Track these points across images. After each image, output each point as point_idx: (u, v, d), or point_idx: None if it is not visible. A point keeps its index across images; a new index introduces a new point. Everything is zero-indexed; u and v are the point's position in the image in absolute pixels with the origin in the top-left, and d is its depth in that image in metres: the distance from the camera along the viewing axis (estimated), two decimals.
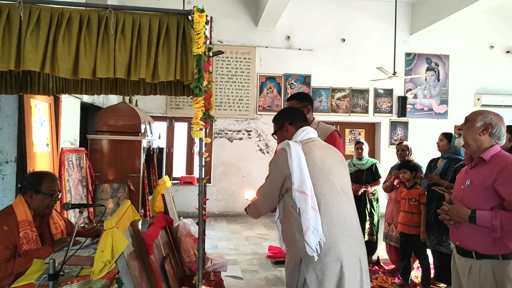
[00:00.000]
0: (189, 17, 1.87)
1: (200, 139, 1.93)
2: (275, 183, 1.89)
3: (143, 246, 1.92)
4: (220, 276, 2.69)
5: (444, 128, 6.91)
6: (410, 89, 8.10)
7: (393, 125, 8.06)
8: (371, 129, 8.26)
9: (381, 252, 4.54)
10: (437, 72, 8.17)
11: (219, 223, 6.82)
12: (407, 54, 8.07)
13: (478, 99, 8.09)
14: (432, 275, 3.73)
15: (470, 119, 1.99)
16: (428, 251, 3.72)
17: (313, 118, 2.84)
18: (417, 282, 3.86)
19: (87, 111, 5.54)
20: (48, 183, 2.23)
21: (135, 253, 1.84)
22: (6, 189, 3.23)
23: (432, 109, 8.15)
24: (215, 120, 7.38)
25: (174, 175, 7.59)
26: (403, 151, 4.25)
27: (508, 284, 1.80)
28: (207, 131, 1.98)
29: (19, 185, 3.14)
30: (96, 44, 1.77)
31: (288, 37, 7.75)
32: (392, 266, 4.28)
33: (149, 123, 5.73)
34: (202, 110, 1.85)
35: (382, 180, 4.49)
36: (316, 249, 1.71)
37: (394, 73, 6.37)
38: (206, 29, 1.85)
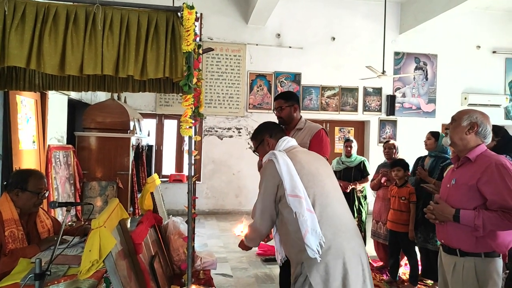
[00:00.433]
0: (179, 13, 1.85)
1: (190, 137, 1.91)
2: (269, 195, 1.90)
3: (132, 245, 1.90)
4: (210, 274, 2.68)
5: (431, 127, 7.00)
6: (399, 88, 8.18)
7: (382, 123, 8.14)
8: (360, 127, 8.32)
9: (369, 249, 4.58)
10: (425, 71, 8.27)
11: (209, 221, 6.80)
12: (396, 53, 8.14)
13: (465, 98, 8.21)
14: (419, 272, 3.78)
15: (456, 118, 2.02)
16: (416, 248, 3.77)
17: (300, 116, 2.84)
18: (405, 279, 3.91)
19: (74, 107, 5.46)
20: (34, 181, 2.19)
21: (124, 252, 1.82)
22: None
23: (420, 108, 8.25)
24: (205, 118, 7.35)
25: (164, 172, 7.54)
26: (389, 149, 4.31)
27: (489, 281, 1.84)
28: (197, 129, 1.97)
29: (5, 183, 3.10)
30: (83, 40, 1.74)
31: (279, 35, 7.75)
32: (381, 263, 4.33)
33: (138, 120, 5.68)
34: (191, 108, 1.83)
35: (370, 177, 4.53)
36: (318, 250, 1.71)
37: (383, 72, 6.42)
38: (195, 26, 1.84)
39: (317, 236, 1.72)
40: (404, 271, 4.08)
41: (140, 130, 5.70)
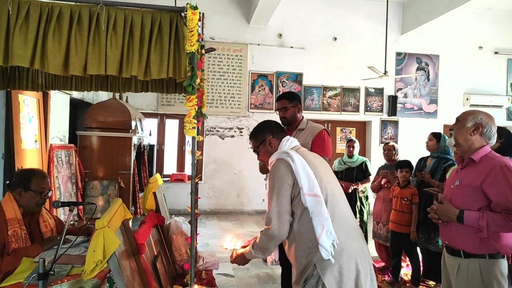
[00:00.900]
0: (182, 14, 1.85)
1: (193, 138, 1.91)
2: (285, 196, 1.79)
3: (135, 245, 1.90)
4: (212, 274, 2.69)
5: (433, 127, 7.00)
6: (401, 88, 8.17)
7: (384, 123, 8.13)
8: (362, 128, 8.31)
9: (371, 250, 4.57)
10: (427, 71, 8.25)
11: (210, 221, 6.80)
12: (398, 54, 8.13)
13: (467, 99, 8.20)
14: (421, 273, 3.78)
15: (461, 119, 2.01)
16: (418, 249, 3.76)
17: (302, 117, 2.84)
18: (407, 280, 3.90)
19: (76, 107, 5.46)
20: (37, 180, 2.19)
21: (127, 252, 1.82)
22: None
23: (422, 109, 8.23)
24: (207, 118, 7.35)
25: (165, 172, 7.54)
26: (389, 150, 4.31)
27: (494, 283, 1.84)
28: (199, 129, 1.95)
29: (7, 182, 3.10)
30: (87, 40, 1.74)
31: (280, 35, 7.74)
32: (382, 264, 4.33)
33: (140, 120, 5.68)
34: (195, 108, 1.83)
35: (372, 178, 4.52)
36: (331, 251, 1.68)
37: (385, 72, 6.41)
38: (199, 26, 1.84)
39: (330, 237, 1.70)
40: (406, 272, 4.08)
41: (142, 129, 5.70)
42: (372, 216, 4.34)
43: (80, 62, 1.72)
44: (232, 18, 7.57)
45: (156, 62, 1.80)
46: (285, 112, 2.75)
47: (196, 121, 1.88)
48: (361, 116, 8.06)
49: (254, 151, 2.10)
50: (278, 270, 4.10)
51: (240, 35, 7.59)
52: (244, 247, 2.10)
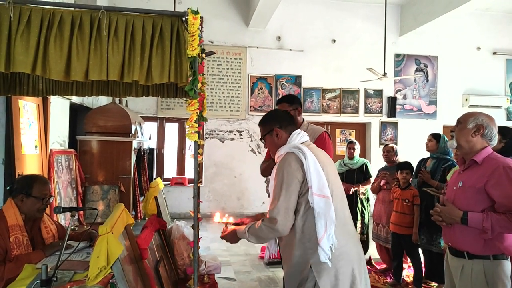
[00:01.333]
0: (183, 18, 1.85)
1: (195, 142, 1.91)
2: (294, 191, 1.74)
3: (137, 250, 1.90)
4: (214, 279, 2.68)
5: (433, 128, 7.01)
6: (400, 90, 8.19)
7: (383, 125, 8.14)
8: (362, 129, 8.32)
9: (373, 251, 4.57)
10: (426, 73, 8.27)
11: (211, 224, 6.79)
12: (397, 55, 8.15)
13: (466, 100, 8.22)
14: (423, 274, 3.77)
15: (462, 121, 2.02)
16: (419, 250, 3.76)
17: (303, 119, 2.84)
18: (409, 281, 3.90)
19: (76, 112, 5.46)
20: (39, 186, 2.19)
21: (129, 257, 1.82)
22: None
23: (421, 110, 8.25)
24: (207, 121, 7.35)
25: (165, 176, 7.54)
26: (388, 152, 4.32)
27: (499, 284, 1.84)
28: (200, 132, 1.95)
29: (8, 188, 3.09)
30: (88, 45, 1.74)
31: (279, 37, 7.76)
32: (384, 266, 4.32)
33: (140, 124, 5.68)
34: (196, 112, 1.83)
35: (372, 180, 4.52)
36: (329, 255, 1.67)
37: (384, 74, 6.42)
38: (200, 30, 1.84)
39: (330, 240, 1.69)
40: (407, 273, 4.07)
41: (142, 133, 5.70)
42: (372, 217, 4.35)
43: (82, 67, 1.72)
44: (231, 22, 7.58)
45: (158, 66, 1.80)
46: None
47: (198, 125, 1.88)
48: (360, 117, 8.07)
49: (260, 139, 2.05)
50: (279, 273, 4.10)
51: (239, 38, 7.61)
52: (236, 224, 2.08)
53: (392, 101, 8.04)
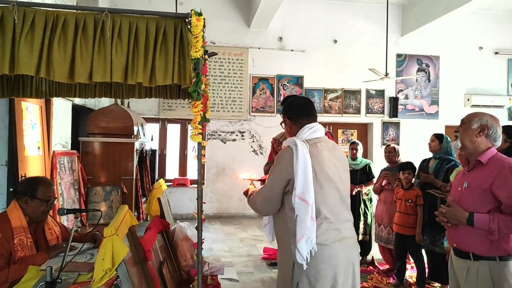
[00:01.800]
0: (187, 20, 1.85)
1: (199, 143, 1.91)
2: (277, 186, 1.78)
3: (141, 251, 1.90)
4: (217, 280, 2.68)
5: (435, 129, 7.00)
6: (402, 90, 8.18)
7: (385, 125, 8.13)
8: (364, 130, 8.31)
9: (376, 252, 4.57)
10: (427, 73, 8.26)
11: (213, 225, 6.79)
12: (398, 55, 8.14)
13: (468, 100, 8.20)
14: (426, 275, 3.76)
15: (466, 121, 2.01)
16: (422, 251, 3.75)
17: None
18: (412, 282, 3.89)
19: (78, 113, 5.47)
20: (43, 189, 2.19)
21: (133, 258, 1.82)
22: None
23: (423, 110, 8.24)
24: (209, 122, 7.35)
25: (167, 177, 7.54)
26: (390, 153, 4.31)
27: (505, 285, 1.83)
28: (202, 134, 1.95)
29: (11, 189, 3.10)
30: (92, 47, 1.74)
31: (281, 38, 7.76)
32: (387, 266, 4.31)
33: (142, 125, 5.69)
34: (200, 114, 1.83)
35: (375, 180, 4.52)
36: (306, 258, 1.69)
37: (386, 74, 6.42)
38: (204, 32, 1.84)
39: (310, 245, 1.69)
40: (410, 274, 4.06)
41: (144, 134, 5.71)
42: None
43: (86, 69, 1.73)
44: (233, 22, 7.59)
45: (161, 68, 1.80)
46: None
47: (201, 127, 1.88)
48: (362, 118, 8.06)
49: (280, 123, 2.07)
50: None
51: (241, 39, 7.61)
52: (261, 180, 2.30)
53: (394, 101, 8.03)
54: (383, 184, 4.16)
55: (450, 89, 8.28)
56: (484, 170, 1.92)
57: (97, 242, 2.37)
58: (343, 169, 1.91)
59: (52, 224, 2.36)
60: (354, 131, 8.23)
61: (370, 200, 4.57)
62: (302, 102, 1.99)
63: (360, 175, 4.47)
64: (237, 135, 7.62)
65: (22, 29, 1.68)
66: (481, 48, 8.40)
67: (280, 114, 2.05)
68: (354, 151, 4.55)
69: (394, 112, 8.02)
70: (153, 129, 7.23)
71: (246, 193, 2.15)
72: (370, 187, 4.51)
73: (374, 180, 4.50)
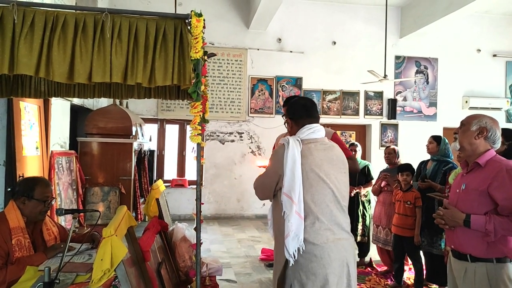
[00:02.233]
0: (186, 21, 1.86)
1: (198, 144, 1.91)
2: (270, 179, 1.90)
3: (140, 252, 1.90)
4: (216, 281, 2.67)
5: (433, 130, 7.01)
6: (400, 92, 8.20)
7: (384, 127, 8.14)
8: (362, 131, 8.33)
9: (374, 253, 4.57)
10: (426, 75, 8.29)
11: (211, 226, 6.79)
12: (397, 57, 8.16)
13: (466, 102, 8.23)
14: (424, 276, 3.77)
15: (466, 123, 2.02)
16: (420, 252, 3.76)
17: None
18: (409, 284, 3.89)
19: (76, 113, 5.46)
20: (41, 189, 2.18)
21: (132, 259, 1.82)
22: None
23: (422, 112, 8.26)
24: (208, 122, 7.35)
25: (165, 177, 7.53)
26: (389, 154, 4.31)
27: (502, 287, 1.83)
28: (202, 135, 1.96)
29: (9, 189, 3.09)
30: (92, 48, 1.74)
31: (280, 39, 7.77)
32: (385, 268, 4.32)
33: (140, 125, 5.68)
34: (200, 115, 1.83)
35: (374, 182, 4.52)
36: (294, 255, 1.73)
37: (385, 76, 6.43)
38: (203, 33, 1.84)
39: (297, 242, 1.74)
40: (408, 275, 4.07)
41: (142, 135, 5.70)
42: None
43: (85, 70, 1.72)
44: (232, 23, 7.59)
45: (161, 69, 1.80)
46: None
47: (200, 128, 1.88)
48: (361, 119, 8.08)
49: (284, 123, 2.14)
50: None
51: (240, 40, 7.62)
52: None
53: (393, 103, 8.05)
54: (382, 185, 4.17)
55: (448, 91, 8.31)
56: (482, 172, 1.93)
57: (95, 243, 2.36)
58: (340, 170, 1.92)
59: (50, 225, 2.35)
60: (353, 133, 8.24)
61: (369, 201, 4.58)
62: (304, 103, 2.03)
63: (359, 177, 4.47)
64: (235, 136, 7.62)
65: (22, 29, 1.68)
66: (479, 50, 8.43)
67: (282, 116, 2.12)
68: (353, 153, 4.56)
69: (392, 114, 8.04)
70: (151, 129, 7.22)
71: None
72: (369, 189, 4.52)
73: (373, 181, 4.51)
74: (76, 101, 4.85)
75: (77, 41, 1.72)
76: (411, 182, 3.78)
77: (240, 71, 7.59)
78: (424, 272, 3.76)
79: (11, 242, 2.03)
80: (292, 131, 1.99)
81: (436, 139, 3.81)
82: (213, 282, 2.63)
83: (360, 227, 4.44)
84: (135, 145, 5.09)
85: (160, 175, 7.47)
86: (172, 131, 7.70)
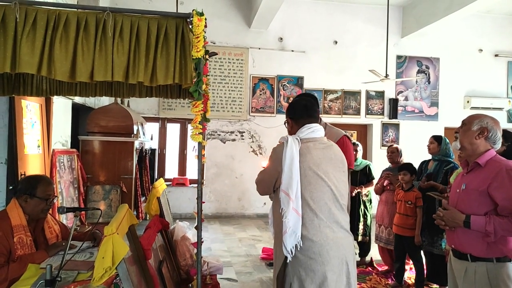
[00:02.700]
0: (188, 20, 1.86)
1: (199, 143, 1.91)
2: (270, 176, 1.94)
3: (141, 250, 1.90)
4: (216, 279, 2.68)
5: (434, 130, 7.01)
6: (401, 91, 8.19)
7: (385, 126, 8.14)
8: (363, 131, 8.32)
9: (375, 253, 4.57)
10: (427, 74, 8.28)
11: (212, 225, 6.79)
12: (398, 57, 8.15)
13: (468, 102, 8.22)
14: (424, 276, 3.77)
15: (467, 123, 2.02)
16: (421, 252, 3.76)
17: (320, 119, 2.78)
18: (410, 283, 3.90)
19: (78, 111, 5.47)
20: (43, 187, 2.19)
21: (133, 257, 1.82)
22: None
23: (423, 111, 8.25)
24: (209, 121, 7.35)
25: (167, 176, 7.54)
26: (392, 153, 4.30)
27: (502, 286, 1.84)
28: (204, 134, 1.97)
29: (11, 188, 3.10)
30: (93, 47, 1.75)
31: (281, 38, 7.76)
32: (386, 267, 4.32)
33: (142, 124, 5.69)
34: (201, 114, 1.83)
35: (375, 181, 4.52)
36: (292, 251, 1.76)
37: (386, 75, 6.42)
38: (205, 32, 1.85)
39: (295, 239, 1.76)
40: (409, 275, 4.07)
41: (144, 134, 5.71)
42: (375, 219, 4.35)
43: (87, 68, 1.73)
44: (233, 23, 7.59)
45: (162, 68, 1.81)
46: None
47: (202, 127, 1.89)
48: (362, 119, 8.07)
49: (284, 123, 2.16)
50: None
51: (241, 39, 7.62)
52: None
53: (394, 102, 8.04)
54: (384, 184, 4.16)
55: (449, 91, 8.30)
56: (482, 172, 1.93)
57: (97, 241, 2.37)
58: (339, 169, 1.95)
59: (51, 223, 2.36)
60: (354, 132, 8.23)
61: (370, 201, 4.58)
62: (305, 104, 2.06)
63: (360, 177, 4.47)
64: (236, 135, 7.62)
65: (24, 28, 1.69)
66: (481, 50, 8.42)
67: (286, 112, 2.16)
68: (354, 152, 4.55)
69: (393, 114, 8.03)
70: (152, 128, 7.23)
71: None
72: (370, 188, 4.51)
73: (374, 181, 4.51)
74: (78, 99, 4.86)
75: (79, 40, 1.73)
76: (413, 182, 3.77)
77: (241, 70, 7.59)
78: (425, 272, 3.76)
79: (13, 240, 2.04)
80: (292, 131, 2.02)
81: (437, 139, 3.80)
82: (214, 281, 2.64)
83: (361, 226, 4.44)
84: (137, 144, 5.09)
85: (161, 173, 7.48)
86: (173, 130, 7.70)
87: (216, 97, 7.51)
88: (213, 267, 2.74)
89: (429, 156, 3.93)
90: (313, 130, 1.94)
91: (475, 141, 1.96)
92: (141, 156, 5.56)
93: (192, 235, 2.86)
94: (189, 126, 1.98)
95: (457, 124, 2.13)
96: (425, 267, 3.77)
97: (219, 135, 7.56)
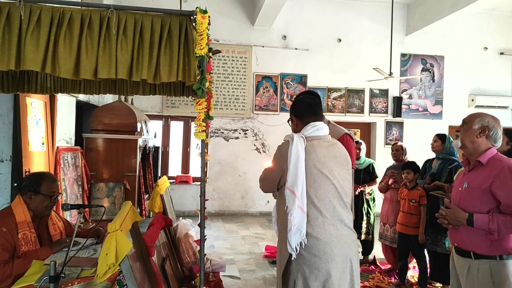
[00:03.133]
0: (191, 17, 1.86)
1: (202, 141, 1.92)
2: (274, 173, 1.94)
3: (144, 247, 1.91)
4: (219, 277, 2.69)
5: (438, 129, 6.98)
6: (406, 90, 8.15)
7: (389, 125, 8.11)
8: (367, 129, 8.30)
9: (378, 251, 4.57)
10: (432, 72, 8.23)
11: (215, 223, 6.81)
12: (403, 55, 8.11)
13: (472, 100, 8.17)
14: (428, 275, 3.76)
15: (468, 121, 2.02)
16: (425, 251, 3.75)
17: (323, 117, 2.77)
18: (413, 282, 3.89)
19: (82, 109, 5.49)
20: (47, 184, 2.21)
21: (136, 254, 1.83)
22: (1, 188, 3.20)
23: (427, 110, 8.21)
24: (212, 119, 7.36)
25: (170, 174, 7.56)
26: (397, 151, 4.28)
27: (505, 284, 1.84)
28: (207, 131, 1.97)
29: (15, 184, 3.12)
30: (97, 44, 1.75)
31: (285, 36, 7.75)
32: (389, 266, 4.31)
33: (145, 122, 5.71)
34: (204, 111, 1.84)
35: (378, 180, 4.51)
36: (296, 249, 1.77)
37: (390, 73, 6.39)
38: (208, 29, 1.85)
39: (300, 236, 1.77)
40: (412, 274, 4.06)
41: (147, 131, 5.72)
42: (379, 218, 4.33)
43: (91, 66, 1.74)
44: (237, 20, 7.59)
45: (166, 65, 1.81)
46: None
47: (205, 124, 1.89)
48: (365, 117, 8.05)
49: (287, 121, 2.16)
50: None
51: (245, 37, 7.61)
52: None
53: (398, 101, 8.01)
54: (389, 182, 4.14)
55: (454, 89, 8.25)
56: (484, 170, 1.93)
57: (100, 238, 2.38)
58: (343, 167, 1.95)
59: (56, 220, 2.37)
60: (358, 131, 8.21)
61: (373, 199, 4.56)
62: (309, 102, 2.06)
63: (363, 175, 4.46)
64: (240, 133, 7.63)
65: (28, 25, 1.69)
66: (486, 48, 8.36)
67: (290, 110, 2.16)
68: (358, 151, 4.53)
69: (397, 112, 8.00)
70: (156, 126, 7.25)
71: None
72: (373, 187, 4.50)
73: (378, 179, 4.50)
74: (82, 97, 4.88)
75: (83, 37, 1.74)
76: (416, 180, 3.76)
77: (244, 68, 7.59)
78: (428, 270, 3.75)
79: (17, 236, 2.06)
80: (297, 129, 2.02)
81: (441, 137, 3.79)
82: (217, 278, 2.65)
83: (364, 225, 4.43)
84: (140, 142, 5.11)
85: (165, 171, 7.50)
86: (176, 127, 7.72)
87: (219, 95, 7.52)
88: (216, 264, 2.75)
89: (433, 155, 3.91)
90: (318, 128, 1.95)
91: (476, 139, 1.96)
92: (144, 154, 5.58)
93: (195, 233, 2.87)
94: (193, 124, 1.98)
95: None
96: (428, 265, 3.76)
97: (223, 133, 7.57)
